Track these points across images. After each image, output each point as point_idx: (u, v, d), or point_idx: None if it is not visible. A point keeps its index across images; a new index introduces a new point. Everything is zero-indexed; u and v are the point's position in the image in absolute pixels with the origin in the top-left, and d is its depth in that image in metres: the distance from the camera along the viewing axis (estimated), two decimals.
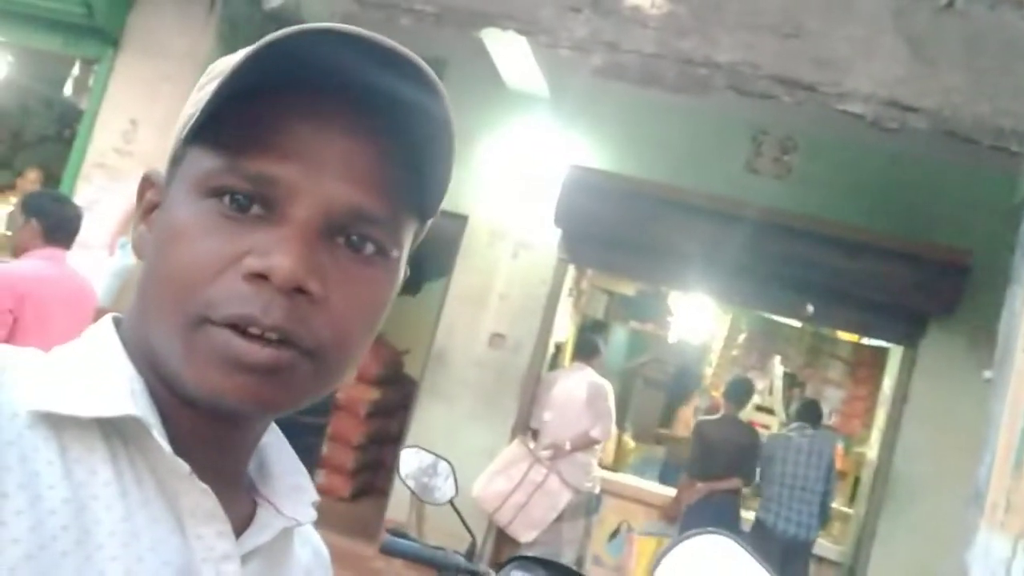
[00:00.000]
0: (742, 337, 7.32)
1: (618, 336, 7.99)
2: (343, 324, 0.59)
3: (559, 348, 6.71)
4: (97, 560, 0.53)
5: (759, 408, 7.01)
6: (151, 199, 0.66)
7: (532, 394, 5.94)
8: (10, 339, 3.16)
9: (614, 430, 6.02)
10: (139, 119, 5.35)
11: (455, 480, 2.48)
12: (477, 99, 5.98)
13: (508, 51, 5.35)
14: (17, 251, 3.47)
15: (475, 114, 5.99)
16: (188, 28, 5.37)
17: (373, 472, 7.18)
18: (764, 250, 5.52)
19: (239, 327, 0.56)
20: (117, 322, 0.64)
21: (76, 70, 5.71)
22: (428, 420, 6.03)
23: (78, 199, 5.31)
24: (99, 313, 4.71)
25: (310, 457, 6.82)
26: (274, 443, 0.71)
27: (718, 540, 0.73)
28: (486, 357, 6.00)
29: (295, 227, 0.57)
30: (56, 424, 0.54)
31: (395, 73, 0.57)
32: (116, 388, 0.57)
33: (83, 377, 0.57)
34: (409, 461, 2.58)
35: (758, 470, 5.77)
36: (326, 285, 0.58)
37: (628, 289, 7.48)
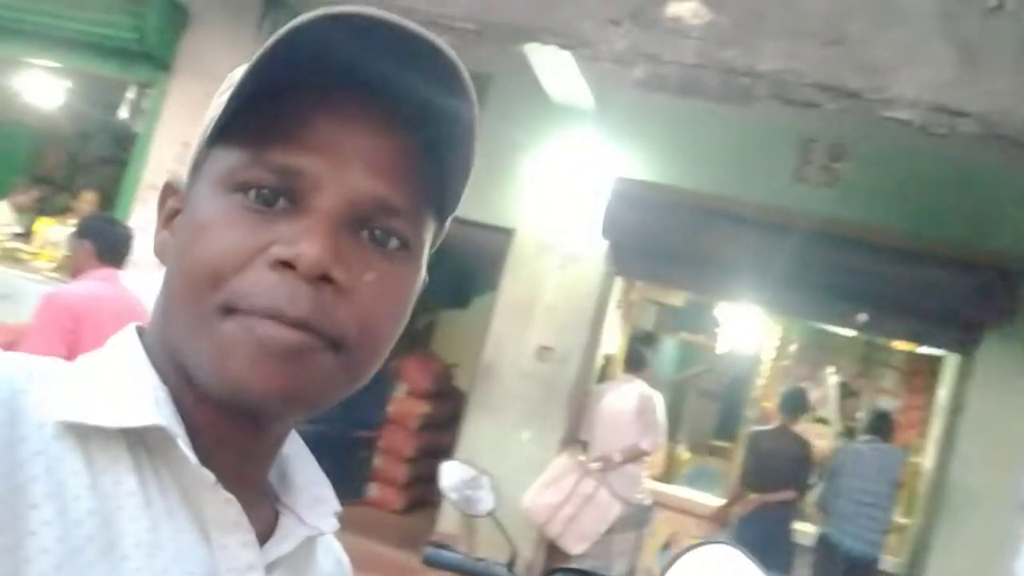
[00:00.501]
0: (793, 347, 7.23)
1: (668, 347, 7.95)
2: (368, 316, 0.59)
3: (608, 360, 6.70)
4: (122, 571, 0.53)
5: (815, 419, 6.90)
6: (172, 206, 0.66)
7: (581, 406, 5.94)
8: (70, 359, 3.27)
9: (664, 441, 5.98)
10: (192, 141, 5.47)
11: (495, 492, 2.51)
12: (522, 113, 6.02)
13: (552, 65, 5.38)
14: (74, 272, 3.61)
15: (520, 128, 6.03)
16: (236, 50, 5.50)
17: (425, 485, 7.22)
18: (814, 259, 5.46)
19: (265, 318, 0.56)
20: (140, 331, 0.64)
21: (131, 94, 5.89)
22: (477, 433, 6.05)
23: (133, 220, 5.47)
24: None
25: (362, 470, 6.91)
26: (296, 453, 0.70)
27: (726, 550, 0.74)
28: (534, 370, 6.01)
29: (320, 217, 0.57)
30: (82, 434, 0.55)
31: (417, 64, 0.57)
32: (140, 398, 0.57)
33: (108, 387, 0.58)
34: (450, 474, 2.62)
35: (820, 483, 5.68)
36: (351, 276, 0.58)
37: (677, 300, 7.44)
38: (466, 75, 0.58)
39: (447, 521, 5.85)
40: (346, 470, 6.71)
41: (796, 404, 5.86)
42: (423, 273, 0.65)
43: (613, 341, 6.66)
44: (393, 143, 0.60)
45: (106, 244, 3.51)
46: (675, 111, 5.58)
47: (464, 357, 7.03)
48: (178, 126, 5.56)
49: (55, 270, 5.75)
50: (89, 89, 6.89)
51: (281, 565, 0.63)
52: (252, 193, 0.58)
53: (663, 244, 5.80)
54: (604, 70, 4.96)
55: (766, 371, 7.17)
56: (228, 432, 0.61)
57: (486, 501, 2.62)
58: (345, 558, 0.77)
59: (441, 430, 7.00)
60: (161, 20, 5.52)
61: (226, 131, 0.59)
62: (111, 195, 6.25)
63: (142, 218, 5.46)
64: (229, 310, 0.57)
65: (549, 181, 6.01)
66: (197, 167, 0.63)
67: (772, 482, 5.59)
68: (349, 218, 0.58)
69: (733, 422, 7.58)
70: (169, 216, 0.66)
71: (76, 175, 7.93)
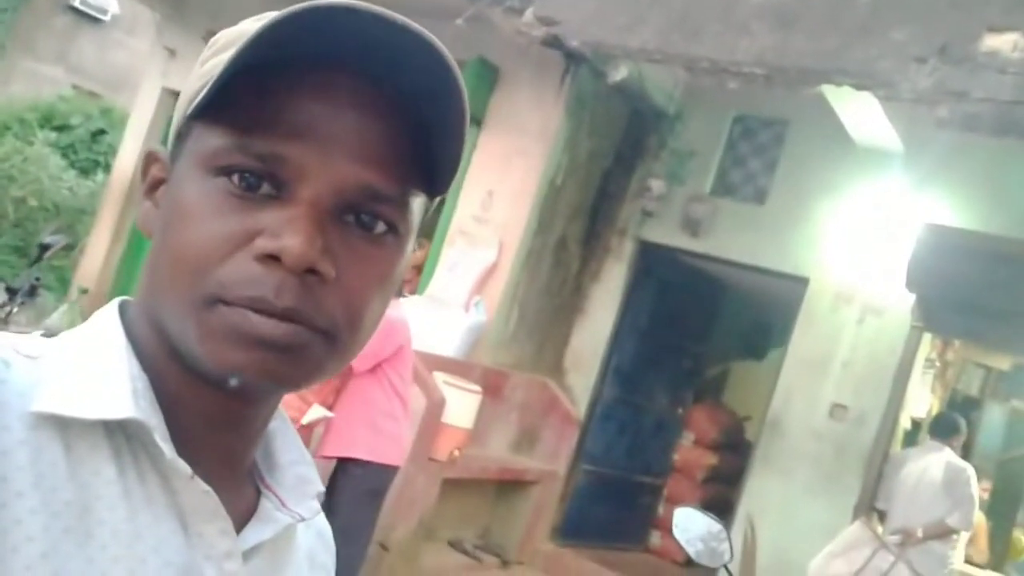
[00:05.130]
0: None
1: (994, 416, 7.08)
2: (355, 303, 0.59)
3: (917, 425, 6.13)
4: (100, 561, 0.53)
5: None
6: (156, 175, 0.65)
7: (879, 472, 5.48)
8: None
9: (976, 521, 5.34)
10: (495, 190, 5.91)
11: (731, 544, 2.43)
12: (821, 158, 5.78)
13: (855, 108, 5.12)
14: None
15: (818, 173, 5.79)
16: (540, 105, 5.86)
17: None
18: None
19: (252, 308, 0.56)
20: (124, 308, 0.64)
21: None
22: (761, 490, 5.80)
23: (441, 263, 5.99)
24: (449, 363, 5.24)
25: (645, 516, 6.88)
26: (280, 429, 0.70)
27: None
28: (826, 428, 5.66)
29: (306, 207, 0.57)
30: (60, 424, 0.55)
31: (405, 51, 0.57)
32: (118, 388, 0.57)
33: (86, 375, 0.57)
34: (690, 523, 2.58)
35: None
36: (337, 265, 0.58)
37: (1004, 363, 6.63)
38: (450, 58, 0.58)
39: None
40: (628, 515, 6.73)
41: None
42: (409, 252, 0.64)
43: (922, 404, 6.08)
44: (380, 127, 0.59)
45: None
46: (1000, 152, 5.04)
47: (757, 411, 6.79)
48: (484, 175, 6.01)
49: None
50: None
51: (260, 550, 0.63)
52: (236, 178, 0.58)
53: (982, 298, 5.21)
54: (911, 111, 4.64)
55: None
56: (214, 406, 0.61)
57: (727, 553, 2.55)
58: (327, 528, 0.76)
59: (728, 484, 6.79)
60: (476, 80, 6.02)
61: (210, 107, 0.58)
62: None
63: (448, 258, 5.96)
64: (216, 300, 0.57)
65: (848, 228, 5.68)
66: (181, 137, 0.62)
67: None
68: (335, 206, 0.58)
69: None
70: (152, 186, 0.65)
71: None
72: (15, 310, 4.18)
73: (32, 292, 4.39)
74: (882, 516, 5.31)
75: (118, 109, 12.27)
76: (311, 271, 0.56)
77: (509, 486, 5.93)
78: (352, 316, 0.59)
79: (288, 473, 0.68)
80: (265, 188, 0.58)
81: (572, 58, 5.72)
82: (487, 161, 6.04)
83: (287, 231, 0.56)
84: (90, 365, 0.58)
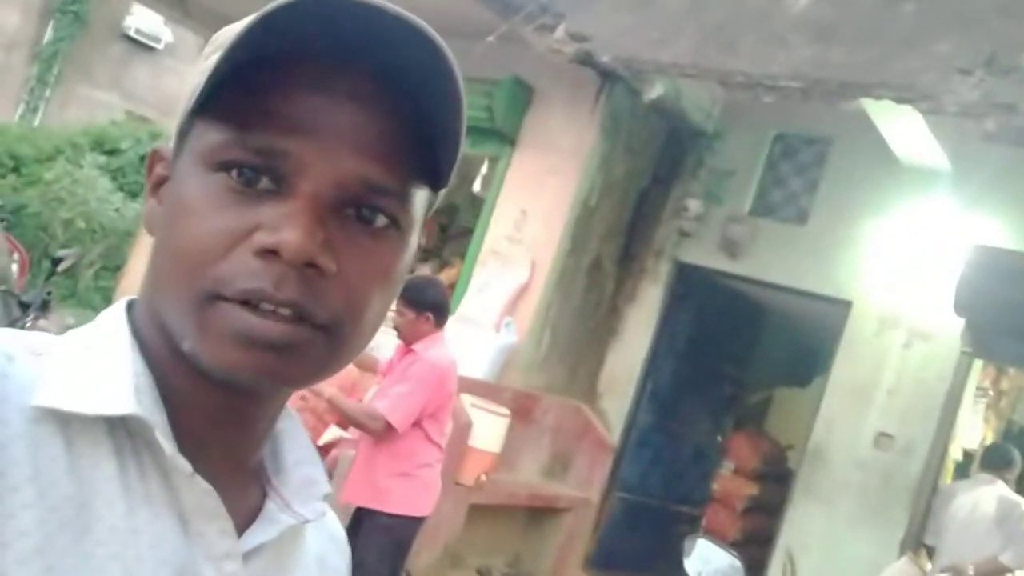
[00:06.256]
0: None
1: None
2: (356, 297, 0.59)
3: (969, 456, 5.86)
4: (96, 557, 0.53)
5: None
6: (160, 173, 0.64)
7: (927, 504, 5.23)
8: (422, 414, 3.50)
9: None
10: (528, 209, 5.83)
11: None
12: (866, 177, 5.60)
13: (899, 124, 4.94)
14: (411, 337, 3.56)
15: (863, 192, 5.62)
16: (574, 124, 5.78)
17: (751, 573, 6.79)
18: None
19: (251, 303, 0.56)
20: (131, 304, 0.64)
21: (484, 168, 6.40)
22: (803, 522, 5.58)
23: (473, 283, 5.91)
24: (477, 385, 5.13)
25: (679, 547, 6.66)
26: (289, 430, 0.69)
27: None
28: (871, 458, 5.43)
29: (305, 201, 0.56)
30: (62, 419, 0.55)
31: (402, 42, 0.57)
32: (120, 384, 0.57)
33: (89, 371, 0.57)
34: (705, 556, 2.45)
35: None
36: (338, 259, 0.57)
37: None
38: (446, 48, 0.57)
39: None
40: (664, 545, 6.52)
41: None
42: (413, 246, 0.63)
43: (974, 434, 5.82)
44: (380, 120, 0.58)
45: (442, 313, 3.59)
46: None
47: (800, 439, 6.57)
48: (518, 194, 5.93)
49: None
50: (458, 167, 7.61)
51: (263, 552, 0.62)
52: (235, 173, 0.57)
53: None
54: (960, 127, 4.46)
55: None
56: (219, 407, 0.61)
57: None
58: (339, 531, 0.75)
59: (769, 515, 6.55)
60: (510, 99, 5.96)
61: (210, 103, 0.58)
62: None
63: (481, 280, 5.87)
64: (215, 297, 0.56)
65: (893, 249, 5.48)
66: (183, 135, 0.62)
67: None
68: (335, 200, 0.57)
69: None
70: (157, 183, 0.65)
71: (446, 244, 8.72)
72: (28, 324, 4.16)
73: (44, 306, 4.38)
74: (931, 552, 5.06)
75: (167, 133, 12.52)
76: (311, 265, 0.56)
77: (540, 513, 5.78)
78: (354, 310, 0.59)
79: (294, 474, 0.67)
80: (264, 183, 0.57)
81: (607, 76, 5.63)
82: (520, 180, 5.97)
83: (286, 225, 0.56)
84: (94, 361, 0.59)
